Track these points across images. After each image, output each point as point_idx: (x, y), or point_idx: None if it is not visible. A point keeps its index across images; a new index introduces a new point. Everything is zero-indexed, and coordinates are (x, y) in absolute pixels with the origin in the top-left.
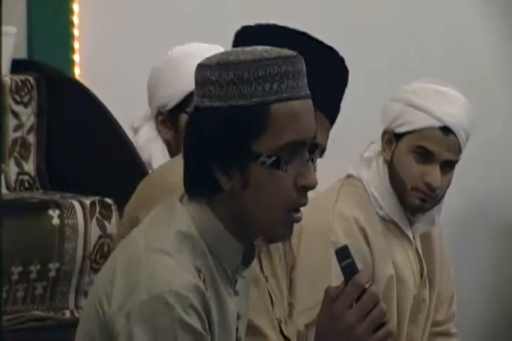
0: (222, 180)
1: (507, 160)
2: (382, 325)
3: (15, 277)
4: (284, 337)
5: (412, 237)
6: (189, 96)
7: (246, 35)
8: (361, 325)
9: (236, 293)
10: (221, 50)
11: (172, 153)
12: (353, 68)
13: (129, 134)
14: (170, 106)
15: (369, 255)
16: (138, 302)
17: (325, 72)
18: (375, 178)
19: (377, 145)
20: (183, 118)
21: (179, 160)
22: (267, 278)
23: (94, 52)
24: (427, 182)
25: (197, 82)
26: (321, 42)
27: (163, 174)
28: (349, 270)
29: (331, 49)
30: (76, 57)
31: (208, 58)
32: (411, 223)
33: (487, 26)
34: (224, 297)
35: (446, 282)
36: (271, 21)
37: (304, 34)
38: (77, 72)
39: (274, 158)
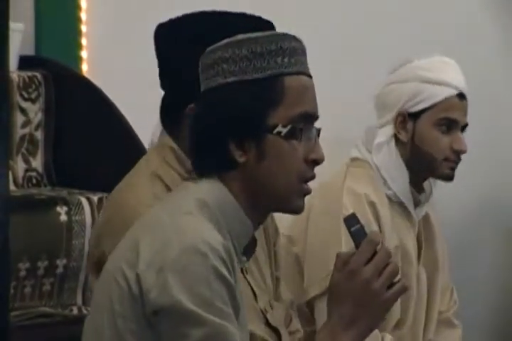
0: (236, 154)
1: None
2: (394, 283)
3: (22, 273)
4: (271, 327)
5: (416, 220)
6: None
7: (168, 32)
8: (377, 279)
9: (245, 271)
10: None
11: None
12: (353, 64)
13: (137, 131)
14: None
15: (377, 230)
16: (171, 255)
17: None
18: (386, 162)
19: (387, 129)
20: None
21: (136, 177)
22: (246, 271)
23: (102, 49)
24: (457, 150)
25: (205, 65)
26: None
27: (124, 195)
28: (359, 235)
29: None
30: (84, 54)
31: (212, 46)
32: (416, 204)
33: (492, 24)
34: (238, 273)
35: (447, 271)
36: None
37: (218, 13)
38: (84, 68)
39: (289, 127)
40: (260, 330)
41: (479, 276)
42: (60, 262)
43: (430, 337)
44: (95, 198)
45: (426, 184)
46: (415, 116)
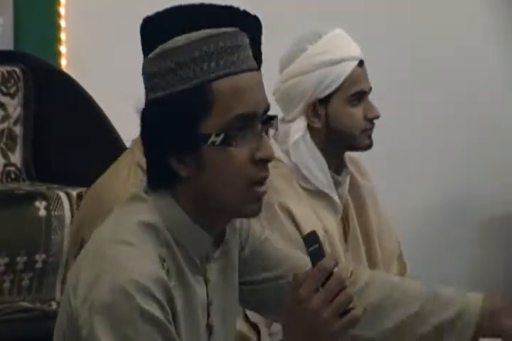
0: (178, 168)
1: (485, 159)
2: (349, 310)
3: (1, 268)
4: (250, 323)
5: (339, 202)
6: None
7: (155, 25)
8: (326, 309)
9: (207, 281)
10: None
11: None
12: None
13: (115, 124)
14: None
15: (295, 232)
16: (99, 294)
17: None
18: (306, 159)
19: (299, 123)
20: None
21: (119, 166)
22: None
23: (81, 44)
24: (372, 117)
25: (143, 76)
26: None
27: (103, 187)
28: (316, 255)
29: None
30: (62, 49)
31: (146, 58)
32: (337, 186)
33: (490, 26)
34: (191, 285)
35: (388, 239)
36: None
37: (201, 5)
38: (63, 63)
39: (222, 136)
40: (239, 325)
41: (456, 273)
42: (39, 257)
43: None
44: (74, 193)
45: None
46: (325, 100)
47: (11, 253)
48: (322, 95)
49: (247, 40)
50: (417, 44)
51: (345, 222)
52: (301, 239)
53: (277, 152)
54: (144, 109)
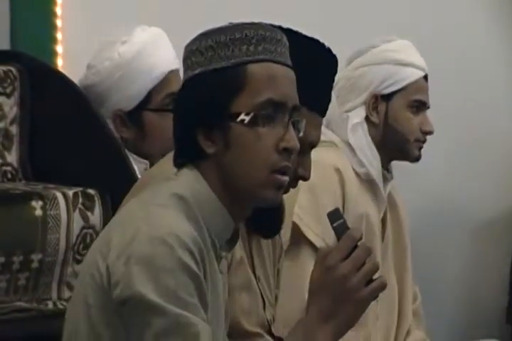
0: (205, 145)
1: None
2: (373, 280)
3: None
4: (274, 337)
5: (384, 197)
6: (149, 94)
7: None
8: (355, 276)
9: (221, 272)
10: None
11: (135, 151)
12: None
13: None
14: (129, 108)
15: (340, 198)
16: (138, 247)
17: (311, 67)
18: (362, 143)
19: (359, 111)
20: (147, 115)
21: None
22: (259, 278)
23: (77, 44)
24: (427, 131)
25: (183, 60)
26: (305, 36)
27: (163, 166)
28: (341, 229)
29: (316, 41)
30: (59, 49)
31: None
32: (385, 182)
33: (490, 27)
34: (214, 264)
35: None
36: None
37: (288, 29)
38: (59, 63)
39: (252, 115)
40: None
41: (446, 277)
42: (35, 257)
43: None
44: (70, 193)
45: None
46: (387, 97)
47: (7, 252)
48: (386, 91)
49: (286, 40)
50: (417, 44)
51: (385, 221)
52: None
53: (330, 136)
54: (180, 89)
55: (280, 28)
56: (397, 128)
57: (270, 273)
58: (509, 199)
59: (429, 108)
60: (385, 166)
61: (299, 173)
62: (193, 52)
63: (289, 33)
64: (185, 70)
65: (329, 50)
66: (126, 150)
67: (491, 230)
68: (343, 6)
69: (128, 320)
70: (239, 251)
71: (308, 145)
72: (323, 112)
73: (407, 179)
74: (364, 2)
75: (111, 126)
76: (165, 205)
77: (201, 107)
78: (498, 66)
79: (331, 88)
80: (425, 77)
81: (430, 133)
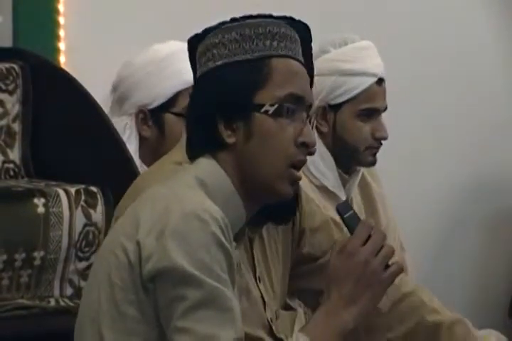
0: (225, 134)
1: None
2: (389, 265)
3: (0, 265)
4: (276, 337)
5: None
6: (175, 96)
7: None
8: (375, 259)
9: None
10: None
11: (152, 151)
12: None
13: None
14: (154, 106)
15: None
16: (171, 221)
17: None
18: (314, 157)
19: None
20: (168, 118)
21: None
22: (259, 278)
23: (80, 41)
24: (379, 137)
25: (199, 55)
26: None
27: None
28: (353, 220)
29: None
30: (61, 46)
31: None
32: (344, 184)
33: (488, 25)
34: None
35: (392, 242)
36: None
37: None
38: (62, 60)
39: (276, 106)
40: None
41: (458, 269)
42: (38, 254)
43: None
44: (73, 190)
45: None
46: (336, 107)
47: (10, 250)
48: (333, 102)
49: (298, 38)
50: (417, 44)
51: None
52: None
53: None
54: (198, 81)
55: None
56: (346, 137)
57: (278, 270)
58: None
59: (385, 110)
60: (347, 168)
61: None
62: (215, 45)
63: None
64: (205, 62)
65: (297, 21)
66: (139, 157)
67: (499, 225)
68: (342, 6)
69: (159, 294)
70: (235, 251)
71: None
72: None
73: (417, 174)
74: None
75: (133, 123)
76: (190, 186)
77: (224, 97)
78: (497, 64)
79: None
80: (379, 82)
81: (383, 139)
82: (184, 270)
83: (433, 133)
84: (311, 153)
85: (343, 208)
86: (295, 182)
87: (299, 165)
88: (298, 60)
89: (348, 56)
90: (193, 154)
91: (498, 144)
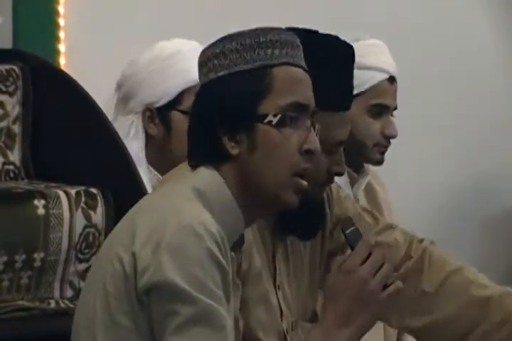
0: (229, 146)
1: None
2: (389, 284)
3: (0, 267)
4: None
5: (356, 195)
6: (181, 94)
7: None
8: (374, 279)
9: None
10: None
11: (158, 149)
12: None
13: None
14: (160, 104)
15: None
16: (167, 234)
17: (330, 65)
18: None
19: None
20: (175, 116)
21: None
22: (278, 287)
23: (80, 42)
24: (388, 135)
25: (201, 63)
26: (317, 33)
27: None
28: (354, 236)
29: (329, 36)
30: (61, 47)
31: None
32: (353, 184)
33: (488, 25)
34: (228, 259)
35: None
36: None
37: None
38: (62, 61)
39: (280, 116)
40: None
41: None
42: (38, 256)
43: None
44: (73, 192)
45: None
46: None
47: (10, 251)
48: None
49: (300, 44)
50: (417, 44)
51: None
52: None
53: None
54: (200, 90)
55: (292, 29)
56: (354, 132)
57: (302, 281)
58: None
59: (395, 109)
60: (356, 167)
61: (333, 170)
62: (217, 55)
63: (303, 33)
64: (206, 73)
65: (344, 42)
66: (145, 155)
67: (499, 223)
68: (342, 7)
69: (153, 307)
70: (258, 259)
71: (336, 144)
72: (348, 107)
73: (414, 171)
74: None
75: (139, 121)
76: (188, 197)
77: (227, 109)
78: (497, 64)
79: (352, 79)
80: (390, 80)
81: (393, 137)
82: (177, 286)
83: (433, 133)
84: (340, 174)
85: (345, 224)
86: (300, 190)
87: (303, 173)
88: (300, 67)
89: (360, 51)
90: (194, 163)
91: (498, 144)
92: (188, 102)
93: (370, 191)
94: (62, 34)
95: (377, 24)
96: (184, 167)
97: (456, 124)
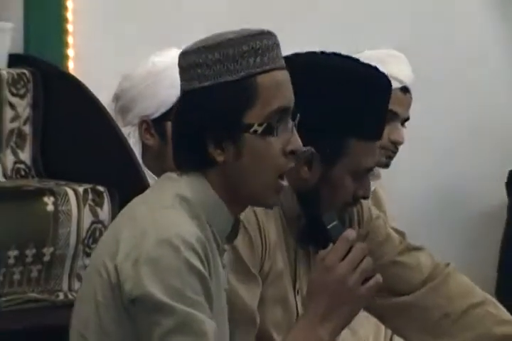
0: (215, 154)
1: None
2: (369, 278)
3: (11, 261)
4: None
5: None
6: (175, 106)
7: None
8: (352, 275)
9: (224, 266)
10: None
11: (155, 159)
12: None
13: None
14: (155, 116)
15: None
16: (145, 248)
17: (367, 97)
18: None
19: None
20: (170, 126)
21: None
22: (298, 291)
23: (88, 48)
24: (394, 140)
25: (182, 68)
26: (358, 61)
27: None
28: (336, 231)
29: (369, 67)
30: (70, 52)
31: (189, 45)
32: None
33: (489, 26)
34: (217, 262)
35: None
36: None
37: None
38: (70, 66)
39: (265, 125)
40: None
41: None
42: (47, 250)
43: None
44: (81, 189)
45: None
46: None
47: (21, 246)
48: None
49: (278, 40)
50: (418, 44)
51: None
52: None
53: None
54: (183, 97)
55: (337, 54)
56: None
57: None
58: (502, 190)
59: (407, 120)
60: None
61: (360, 194)
62: (199, 64)
63: (346, 60)
64: (189, 80)
65: (383, 74)
66: (142, 164)
67: (483, 218)
68: (343, 12)
69: (137, 318)
70: (280, 262)
71: (365, 170)
72: (380, 137)
73: (405, 169)
74: (364, 4)
75: (136, 132)
76: (169, 206)
77: (213, 119)
78: (497, 64)
79: (387, 111)
80: (403, 89)
81: (397, 143)
82: (156, 298)
83: (432, 133)
84: (366, 198)
85: (328, 219)
86: (281, 191)
87: (284, 176)
88: (281, 68)
89: (378, 58)
90: (180, 169)
91: (498, 144)
92: None
93: (374, 193)
94: (70, 40)
95: (378, 25)
96: (169, 174)
97: (456, 124)
